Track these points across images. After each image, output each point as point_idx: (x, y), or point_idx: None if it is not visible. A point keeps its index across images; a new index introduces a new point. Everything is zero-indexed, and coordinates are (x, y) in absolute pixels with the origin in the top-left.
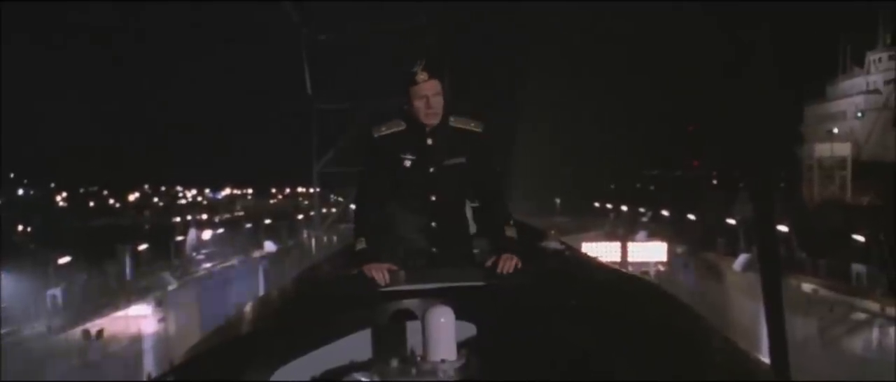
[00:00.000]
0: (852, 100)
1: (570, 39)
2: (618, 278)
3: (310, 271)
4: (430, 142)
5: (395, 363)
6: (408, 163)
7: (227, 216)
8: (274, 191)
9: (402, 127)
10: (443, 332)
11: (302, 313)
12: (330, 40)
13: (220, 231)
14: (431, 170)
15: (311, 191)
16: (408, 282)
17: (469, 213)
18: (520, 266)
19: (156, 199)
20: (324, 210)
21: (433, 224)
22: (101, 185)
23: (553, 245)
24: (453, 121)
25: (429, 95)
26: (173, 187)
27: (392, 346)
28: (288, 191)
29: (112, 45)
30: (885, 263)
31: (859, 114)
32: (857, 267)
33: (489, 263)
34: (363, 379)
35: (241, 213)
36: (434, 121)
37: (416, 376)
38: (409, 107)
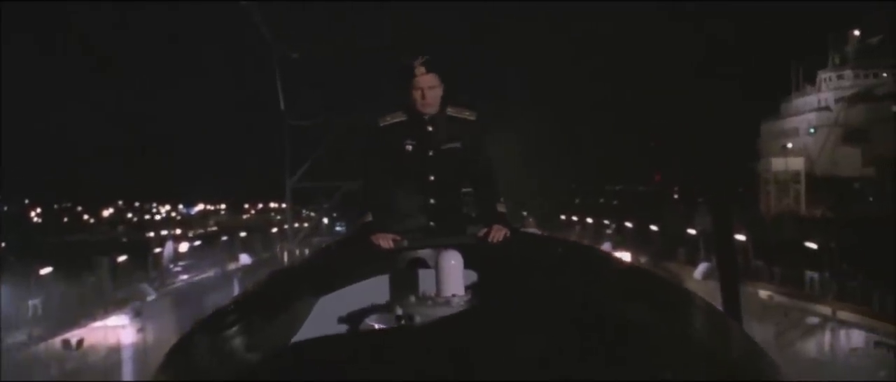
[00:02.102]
0: (805, 118)
1: (535, 57)
2: (586, 245)
3: (324, 248)
4: (429, 128)
5: (413, 298)
6: (409, 148)
7: (200, 231)
8: (247, 206)
9: (402, 117)
10: (453, 272)
11: (330, 262)
12: (303, 57)
13: (197, 243)
14: (430, 153)
15: (284, 206)
16: (410, 249)
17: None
18: (508, 236)
19: (130, 215)
20: (296, 224)
21: (432, 201)
22: (74, 201)
23: (532, 229)
24: (450, 111)
25: (424, 88)
26: (147, 203)
27: (408, 287)
28: (260, 206)
29: (85, 62)
30: (836, 270)
31: (812, 131)
32: (811, 274)
33: (481, 233)
34: (377, 325)
35: (215, 228)
36: (430, 110)
37: (432, 307)
38: (408, 98)
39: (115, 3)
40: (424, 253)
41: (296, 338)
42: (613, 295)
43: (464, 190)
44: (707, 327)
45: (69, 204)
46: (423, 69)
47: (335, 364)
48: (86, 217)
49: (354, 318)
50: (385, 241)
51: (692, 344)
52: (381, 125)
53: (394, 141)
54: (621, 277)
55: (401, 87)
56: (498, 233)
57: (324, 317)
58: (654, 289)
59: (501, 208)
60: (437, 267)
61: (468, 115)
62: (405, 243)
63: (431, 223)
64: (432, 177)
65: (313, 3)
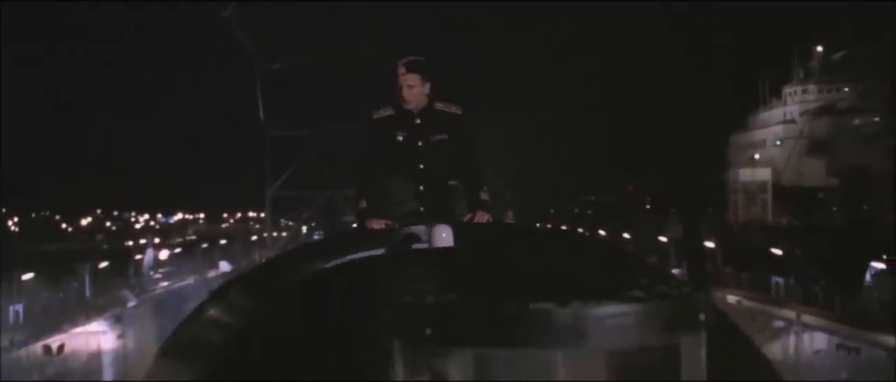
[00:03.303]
0: (772, 130)
1: (511, 71)
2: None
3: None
4: (418, 121)
5: None
6: (400, 139)
7: (179, 239)
8: (225, 215)
9: (392, 111)
10: (444, 244)
11: (332, 239)
12: (283, 69)
13: (177, 250)
14: (420, 144)
15: (263, 215)
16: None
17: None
18: (490, 220)
19: (108, 224)
20: (274, 234)
21: (421, 188)
22: (52, 210)
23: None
24: (438, 106)
25: (404, 86)
26: (125, 212)
27: None
28: (239, 215)
29: (63, 72)
30: (801, 276)
31: (778, 142)
32: (777, 279)
33: (466, 218)
34: None
35: (194, 237)
36: (410, 106)
37: None
38: (397, 93)
39: (97, 11)
40: (417, 229)
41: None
42: (588, 261)
43: (451, 182)
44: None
45: (47, 213)
46: (404, 69)
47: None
48: (64, 225)
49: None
50: (378, 225)
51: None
52: (375, 118)
53: (386, 132)
54: (594, 246)
55: (392, 86)
56: (481, 218)
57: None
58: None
59: (485, 196)
60: (429, 241)
61: (455, 110)
62: (396, 227)
63: (422, 208)
64: (422, 166)
65: (294, 15)
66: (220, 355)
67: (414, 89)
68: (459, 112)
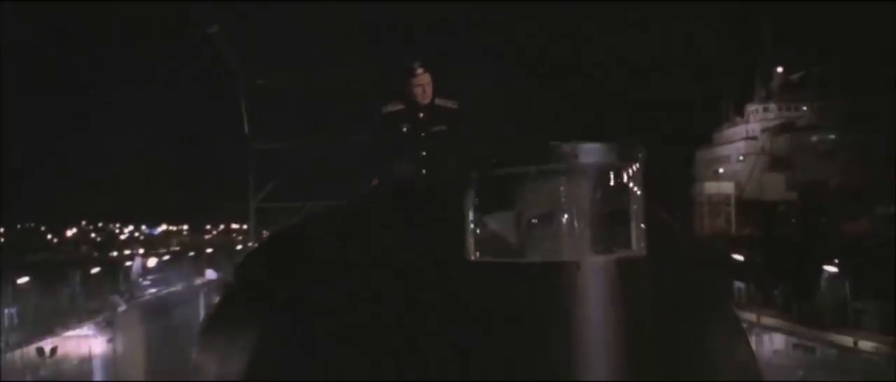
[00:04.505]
0: (735, 146)
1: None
2: None
3: None
4: (421, 114)
5: None
6: (405, 129)
7: (163, 250)
8: (209, 227)
9: (401, 105)
10: None
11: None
12: (268, 84)
13: (165, 258)
14: (423, 134)
15: (245, 227)
16: None
17: None
18: None
19: (93, 235)
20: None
21: (423, 172)
22: (37, 221)
23: None
24: (438, 101)
25: (424, 85)
26: (109, 223)
27: None
28: (222, 227)
29: (46, 81)
30: (761, 281)
31: (741, 158)
32: (739, 285)
33: None
34: None
35: (178, 248)
36: (425, 101)
37: None
38: (409, 90)
39: (81, 22)
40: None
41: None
42: None
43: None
44: None
45: (32, 224)
46: (421, 70)
47: None
48: (49, 236)
49: None
50: None
51: None
52: (385, 111)
53: (394, 123)
54: None
55: (400, 83)
56: None
57: None
58: None
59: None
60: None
61: (451, 105)
62: None
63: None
64: (424, 153)
65: (278, 30)
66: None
67: (426, 88)
68: (455, 106)
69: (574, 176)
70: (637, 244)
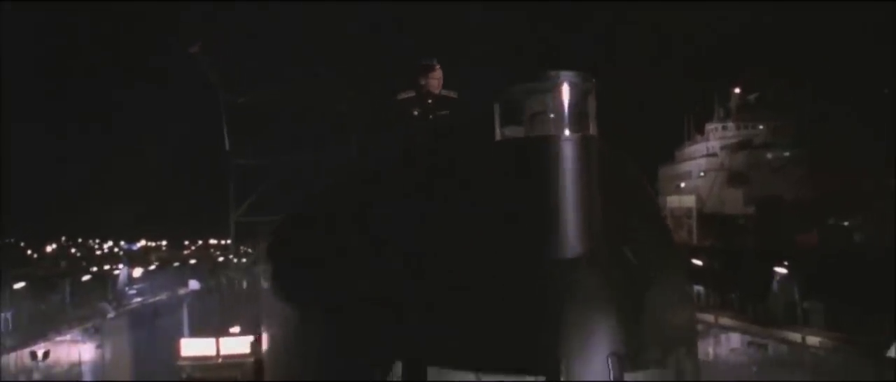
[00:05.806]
0: (696, 162)
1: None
2: None
3: None
4: (429, 102)
5: None
6: (415, 113)
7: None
8: (187, 242)
9: (412, 94)
10: None
11: None
12: (247, 102)
13: (151, 268)
14: (430, 117)
15: (225, 242)
16: None
17: None
18: None
19: (73, 250)
20: (234, 260)
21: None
22: (16, 237)
23: None
24: (442, 92)
25: (438, 78)
26: (89, 239)
27: None
28: (201, 242)
29: (30, 97)
30: (718, 285)
31: (701, 174)
32: (698, 288)
33: None
34: None
35: (157, 264)
36: (437, 91)
37: None
38: (424, 82)
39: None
40: None
41: None
42: None
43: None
44: None
45: (12, 239)
46: (437, 66)
47: None
48: (29, 252)
49: None
50: None
51: None
52: (398, 98)
53: (405, 109)
54: None
55: (415, 75)
56: None
57: None
58: None
59: None
60: None
61: (453, 95)
62: None
63: None
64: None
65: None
66: None
67: (439, 80)
68: (456, 96)
69: (556, 89)
70: (592, 127)
